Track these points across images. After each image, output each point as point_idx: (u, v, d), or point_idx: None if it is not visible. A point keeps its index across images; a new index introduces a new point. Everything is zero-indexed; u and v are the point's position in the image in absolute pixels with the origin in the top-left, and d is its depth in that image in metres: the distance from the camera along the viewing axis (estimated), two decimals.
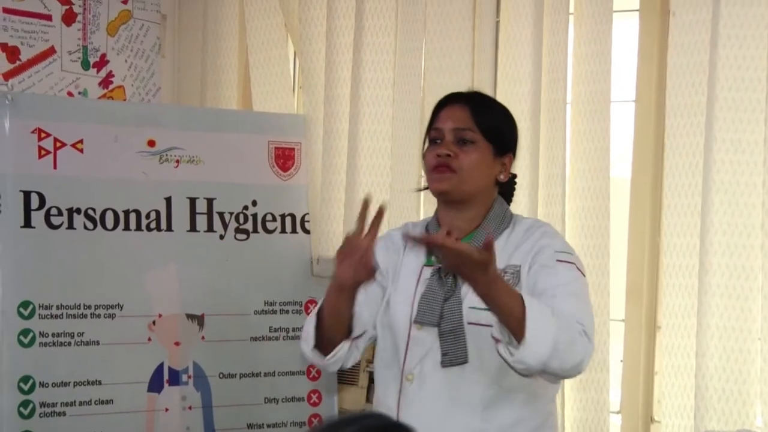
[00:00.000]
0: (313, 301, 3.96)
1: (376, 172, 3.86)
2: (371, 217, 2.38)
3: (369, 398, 3.98)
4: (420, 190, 2.69)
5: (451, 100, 2.57)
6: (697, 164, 3.13)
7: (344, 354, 2.52)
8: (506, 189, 2.60)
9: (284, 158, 4.00)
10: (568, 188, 3.38)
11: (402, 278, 2.54)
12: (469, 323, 2.41)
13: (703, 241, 3.06)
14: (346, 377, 4.03)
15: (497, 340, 2.32)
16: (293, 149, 4.02)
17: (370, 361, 4.02)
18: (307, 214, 4.00)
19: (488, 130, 2.50)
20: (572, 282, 2.41)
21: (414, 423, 2.36)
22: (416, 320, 2.47)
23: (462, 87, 3.56)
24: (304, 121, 4.05)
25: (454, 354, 2.41)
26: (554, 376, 2.37)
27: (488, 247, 2.18)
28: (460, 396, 2.42)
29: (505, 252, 2.46)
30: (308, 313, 3.92)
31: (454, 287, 2.44)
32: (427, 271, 2.50)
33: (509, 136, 2.57)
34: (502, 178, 2.54)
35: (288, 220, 3.97)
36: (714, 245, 3.04)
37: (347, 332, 2.51)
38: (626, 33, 3.50)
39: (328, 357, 2.51)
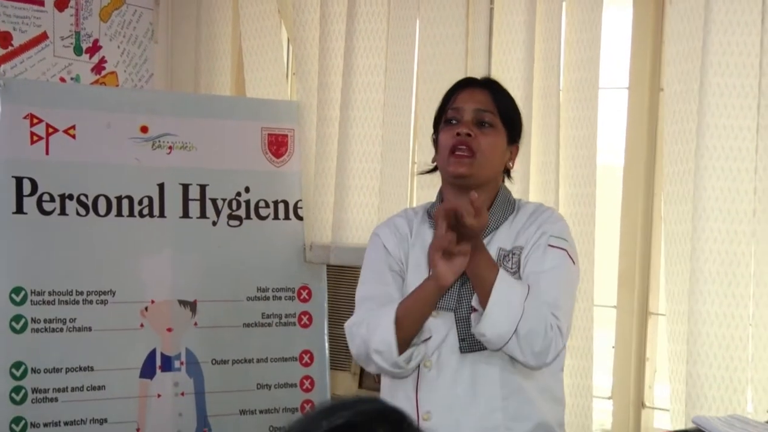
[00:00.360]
0: (305, 288, 3.96)
1: (367, 159, 3.86)
2: None
3: (362, 384, 3.99)
4: (425, 172, 2.63)
5: (469, 84, 2.56)
6: (689, 151, 3.13)
7: (423, 357, 2.44)
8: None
9: (277, 145, 3.99)
10: (559, 175, 3.38)
11: (414, 265, 2.51)
12: None
13: (695, 227, 3.06)
14: (338, 363, 4.03)
15: (474, 309, 2.36)
16: (286, 136, 4.02)
17: None
18: (300, 200, 4.00)
19: (506, 115, 2.50)
20: (558, 268, 2.41)
21: (435, 409, 2.40)
22: None
23: (455, 74, 3.58)
24: (297, 108, 4.05)
25: (471, 339, 2.40)
26: (518, 362, 2.37)
27: (478, 213, 2.25)
28: (480, 380, 2.42)
29: (511, 235, 2.48)
30: (301, 299, 3.94)
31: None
32: None
33: (520, 125, 2.57)
34: (510, 165, 2.55)
35: (281, 206, 3.97)
36: (706, 231, 3.04)
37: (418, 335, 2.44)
38: (621, 20, 3.50)
39: (409, 366, 2.41)
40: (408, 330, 2.39)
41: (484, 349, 2.39)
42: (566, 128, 3.40)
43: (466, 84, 2.57)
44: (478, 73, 3.44)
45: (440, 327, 2.44)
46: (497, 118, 2.48)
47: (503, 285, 2.31)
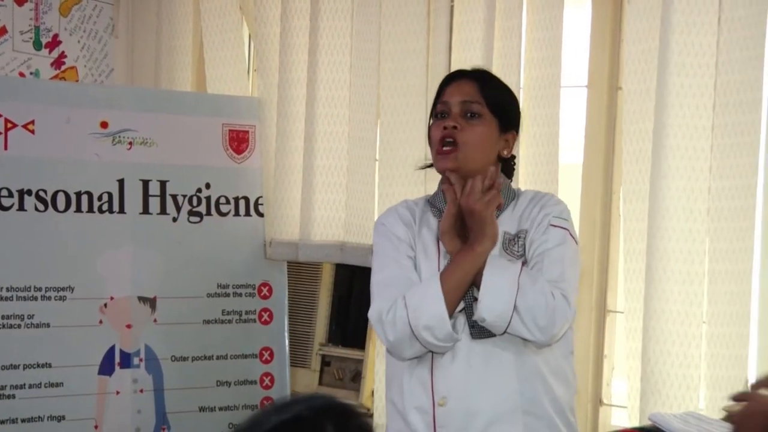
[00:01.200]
0: (266, 284, 3.96)
1: (332, 156, 3.86)
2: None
3: (321, 381, 3.98)
4: (424, 167, 2.67)
5: (457, 76, 2.58)
6: (646, 150, 3.16)
7: (463, 326, 2.45)
8: (506, 167, 2.63)
9: (238, 141, 3.99)
10: (519, 173, 3.39)
11: (422, 252, 2.53)
12: None
13: (651, 226, 3.09)
14: (298, 360, 4.03)
15: (475, 299, 2.40)
16: (247, 132, 4.01)
17: (323, 344, 4.03)
18: (261, 197, 3.99)
19: (495, 104, 2.52)
20: (559, 246, 2.45)
21: (451, 394, 2.42)
22: None
23: (416, 71, 3.61)
24: (258, 104, 4.04)
25: (482, 326, 2.41)
26: (528, 340, 2.39)
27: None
28: (494, 364, 2.43)
29: (514, 219, 2.51)
30: (261, 296, 3.94)
31: None
32: None
33: (514, 112, 2.60)
34: (505, 154, 2.57)
35: (242, 203, 3.96)
36: (661, 230, 3.06)
37: None
38: (580, 19, 3.52)
39: (458, 332, 2.43)
40: (455, 300, 2.40)
41: (494, 335, 2.41)
42: (528, 126, 3.41)
43: (454, 77, 2.59)
44: (439, 70, 3.47)
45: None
46: (485, 108, 2.50)
47: (492, 267, 2.37)
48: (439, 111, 2.53)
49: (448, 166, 2.47)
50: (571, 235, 2.50)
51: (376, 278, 2.53)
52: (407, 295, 2.41)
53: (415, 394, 2.47)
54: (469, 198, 2.41)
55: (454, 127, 2.47)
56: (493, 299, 2.36)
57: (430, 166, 2.61)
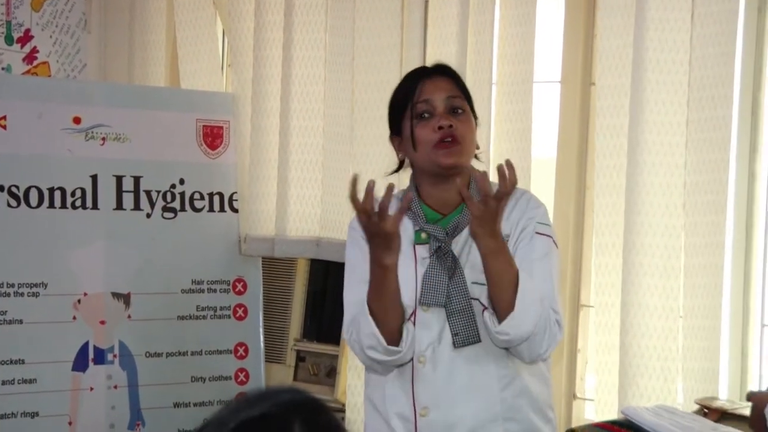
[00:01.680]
0: (240, 280, 3.95)
1: (307, 151, 3.85)
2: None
3: (297, 376, 3.98)
4: (393, 172, 2.57)
5: (429, 73, 2.52)
6: (622, 145, 3.17)
7: (413, 336, 2.42)
8: None
9: (212, 136, 3.97)
10: (491, 168, 3.39)
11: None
12: (472, 298, 2.41)
13: (627, 221, 3.11)
14: (273, 355, 4.03)
15: (485, 307, 2.36)
16: (221, 127, 4.00)
17: (298, 340, 4.02)
18: (236, 192, 3.98)
19: (468, 98, 2.50)
20: (546, 257, 2.43)
21: (432, 404, 2.40)
22: (422, 302, 2.42)
23: (390, 66, 3.61)
24: (232, 100, 4.03)
25: (465, 334, 2.39)
26: (518, 355, 2.39)
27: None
28: (476, 373, 2.42)
29: None
30: (236, 292, 3.93)
31: (455, 266, 2.41)
32: (421, 249, 2.45)
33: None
34: (479, 146, 2.54)
35: (216, 198, 3.95)
36: (637, 225, 3.08)
37: (402, 315, 2.41)
38: (553, 14, 3.53)
39: (402, 347, 2.38)
40: (385, 316, 2.37)
41: (478, 342, 2.39)
42: (501, 122, 3.43)
43: (424, 74, 2.53)
44: (413, 65, 3.45)
45: (432, 323, 2.42)
46: (465, 102, 2.48)
47: (526, 285, 2.32)
48: (422, 111, 2.45)
49: (452, 161, 2.41)
50: (554, 241, 2.48)
51: (344, 295, 2.52)
52: (354, 319, 2.42)
53: (397, 401, 2.46)
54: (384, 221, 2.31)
55: (450, 126, 2.41)
56: (524, 319, 2.31)
57: (397, 170, 2.56)
